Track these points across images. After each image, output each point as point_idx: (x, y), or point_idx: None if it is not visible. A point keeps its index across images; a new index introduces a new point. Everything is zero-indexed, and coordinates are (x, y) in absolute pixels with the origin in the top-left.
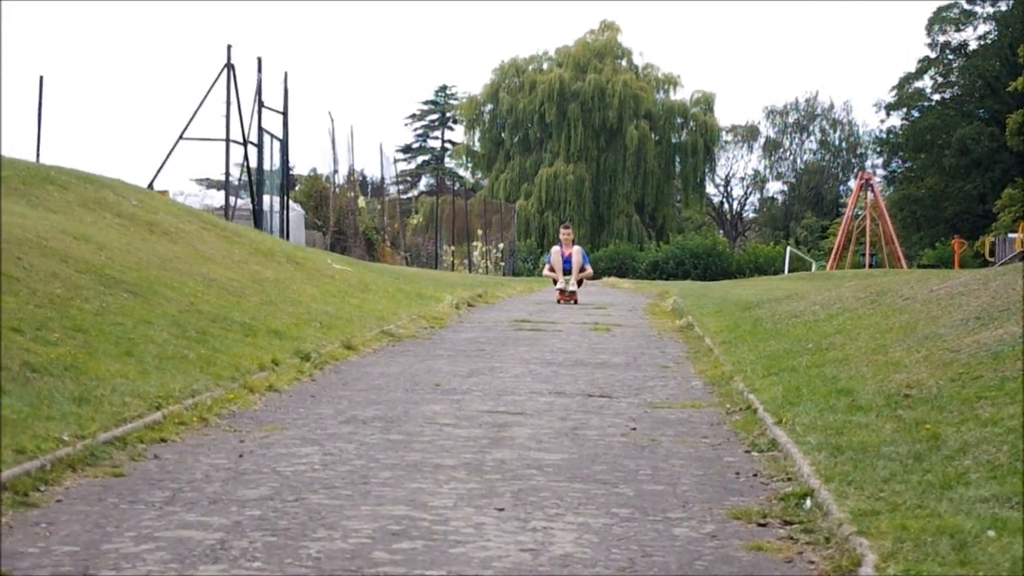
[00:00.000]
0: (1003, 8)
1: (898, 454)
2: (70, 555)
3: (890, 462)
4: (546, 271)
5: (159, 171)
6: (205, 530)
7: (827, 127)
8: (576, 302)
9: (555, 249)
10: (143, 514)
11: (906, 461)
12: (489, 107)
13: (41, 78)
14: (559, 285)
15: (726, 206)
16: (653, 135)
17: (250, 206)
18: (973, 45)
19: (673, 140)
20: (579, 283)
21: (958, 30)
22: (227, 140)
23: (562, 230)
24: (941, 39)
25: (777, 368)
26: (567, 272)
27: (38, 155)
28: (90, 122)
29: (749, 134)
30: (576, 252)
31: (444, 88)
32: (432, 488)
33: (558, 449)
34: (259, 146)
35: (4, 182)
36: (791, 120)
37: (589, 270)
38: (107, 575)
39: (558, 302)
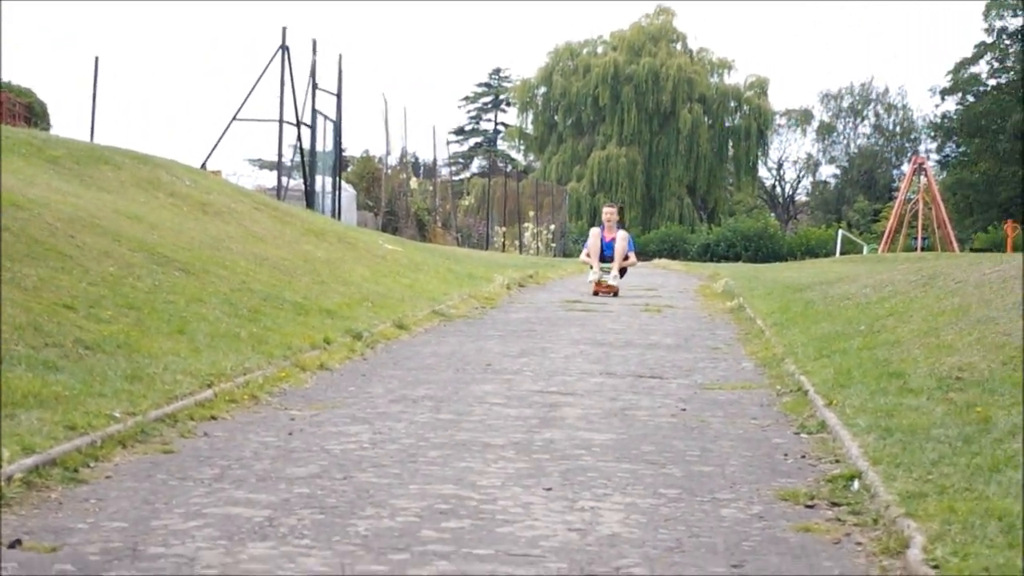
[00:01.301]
0: None
1: (947, 436)
2: (119, 531)
3: (939, 444)
4: (583, 256)
5: (212, 151)
6: (254, 507)
7: (881, 112)
8: (616, 295)
9: (595, 231)
10: (192, 491)
11: (955, 444)
12: (542, 90)
13: (96, 59)
14: (593, 276)
15: (778, 189)
16: (706, 119)
17: (302, 186)
18: None
19: (726, 124)
20: (621, 273)
21: (1015, 15)
22: (280, 121)
23: (606, 209)
24: (998, 24)
25: (828, 350)
26: (607, 259)
27: (92, 135)
28: (145, 103)
29: (803, 118)
30: (621, 238)
31: (498, 71)
32: (480, 467)
33: (607, 429)
34: (312, 127)
35: (56, 165)
36: (845, 104)
37: (633, 258)
38: (156, 551)
39: (594, 294)
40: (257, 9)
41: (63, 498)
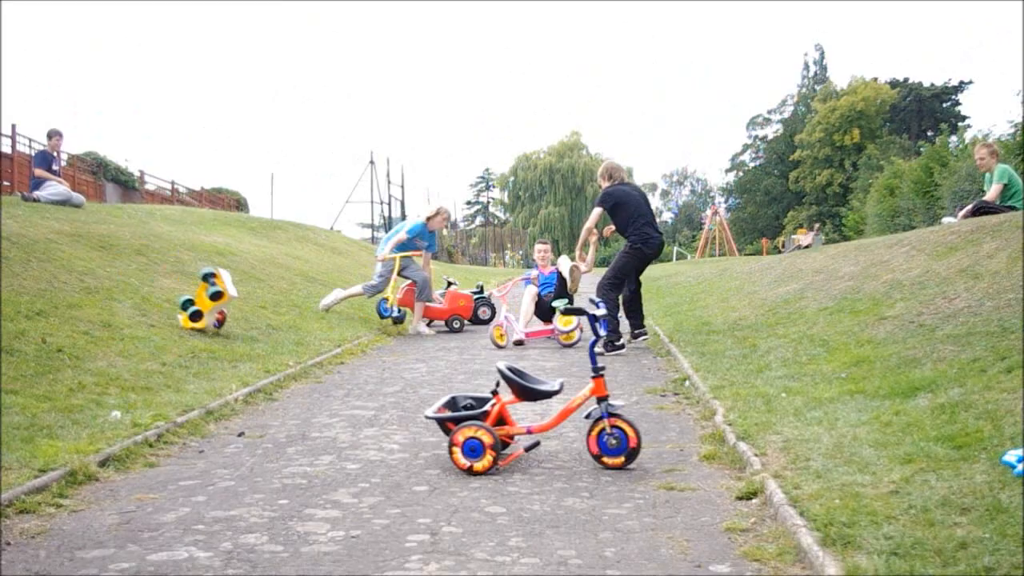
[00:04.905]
0: (786, 115)
1: (734, 355)
2: (295, 425)
3: (730, 359)
4: (504, 320)
5: (336, 219)
6: (366, 410)
7: (694, 182)
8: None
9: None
10: (333, 402)
11: (738, 359)
12: (512, 179)
13: (272, 175)
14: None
15: None
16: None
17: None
18: (771, 135)
19: None
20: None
21: (762, 127)
22: (371, 202)
23: (538, 245)
24: (754, 132)
25: (671, 312)
26: (555, 296)
27: (272, 212)
28: (301, 193)
29: (652, 187)
30: (563, 265)
31: (487, 169)
32: (487, 384)
33: (552, 361)
34: (388, 204)
35: (253, 231)
36: (675, 179)
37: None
38: (315, 435)
39: (515, 343)
40: (357, 139)
41: (265, 409)
